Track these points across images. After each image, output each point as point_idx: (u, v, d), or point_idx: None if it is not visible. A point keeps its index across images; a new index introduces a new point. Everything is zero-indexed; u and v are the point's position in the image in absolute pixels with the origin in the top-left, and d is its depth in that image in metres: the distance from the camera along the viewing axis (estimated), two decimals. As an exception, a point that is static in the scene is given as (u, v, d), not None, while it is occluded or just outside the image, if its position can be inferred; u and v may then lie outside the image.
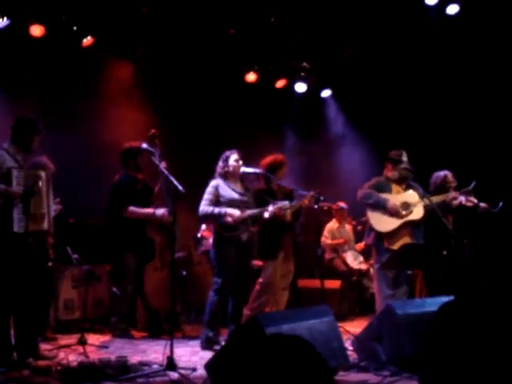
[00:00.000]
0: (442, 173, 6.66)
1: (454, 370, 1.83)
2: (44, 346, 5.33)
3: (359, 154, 9.48)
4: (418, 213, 6.04)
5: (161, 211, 6.03)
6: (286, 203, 5.91)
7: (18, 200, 4.60)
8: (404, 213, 6.02)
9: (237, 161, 5.90)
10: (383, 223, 6.06)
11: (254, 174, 6.18)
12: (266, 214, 5.83)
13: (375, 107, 9.25)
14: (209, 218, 5.71)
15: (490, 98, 8.52)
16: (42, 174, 4.87)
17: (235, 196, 5.79)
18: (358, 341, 4.95)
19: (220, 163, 5.86)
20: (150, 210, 6.08)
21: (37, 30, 7.04)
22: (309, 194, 6.08)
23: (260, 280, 6.33)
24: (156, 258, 6.18)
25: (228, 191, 5.78)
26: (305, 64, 8.97)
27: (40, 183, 4.75)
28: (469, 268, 6.21)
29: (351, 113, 9.69)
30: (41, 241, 5.25)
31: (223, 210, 5.67)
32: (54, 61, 7.35)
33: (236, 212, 5.68)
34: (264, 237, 6.21)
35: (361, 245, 8.57)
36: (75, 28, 7.26)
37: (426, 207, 6.04)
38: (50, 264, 5.79)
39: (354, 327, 6.31)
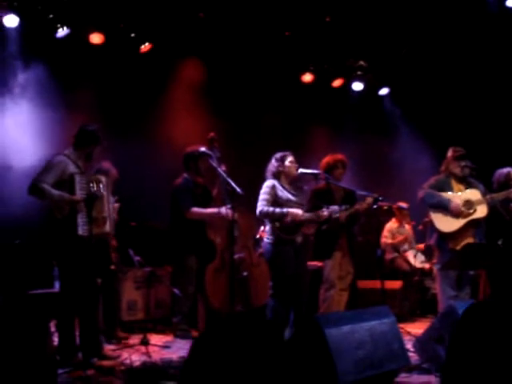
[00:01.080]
0: (505, 170, 6.49)
1: (476, 373, 1.79)
2: (108, 347, 5.47)
3: (419, 153, 9.34)
4: (481, 211, 5.90)
5: (225, 209, 6.07)
6: (336, 208, 5.88)
7: (82, 204, 4.75)
8: (468, 211, 5.89)
9: (292, 162, 5.90)
10: (447, 223, 5.94)
11: (312, 174, 6.17)
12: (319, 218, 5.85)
13: (433, 104, 9.10)
14: (269, 218, 5.73)
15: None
16: (103, 178, 5.00)
17: (291, 197, 5.80)
18: (420, 342, 4.88)
19: (274, 163, 5.86)
20: (214, 210, 6.15)
21: (96, 38, 7.22)
22: (368, 200, 6.06)
23: (323, 279, 6.37)
24: (217, 259, 6.23)
25: (284, 192, 5.79)
26: (361, 62, 8.90)
27: (102, 188, 4.88)
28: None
29: (409, 111, 9.56)
30: (103, 243, 5.39)
31: (285, 210, 5.67)
32: (114, 67, 7.51)
33: (299, 212, 5.68)
34: (319, 237, 6.23)
35: (421, 246, 8.45)
36: (133, 35, 7.40)
37: (489, 205, 5.90)
38: (112, 267, 5.92)
39: (416, 328, 6.23)
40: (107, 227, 4.98)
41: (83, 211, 4.75)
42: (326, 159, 6.48)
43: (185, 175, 6.40)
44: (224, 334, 2.76)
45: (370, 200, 6.08)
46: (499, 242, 5.97)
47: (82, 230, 4.74)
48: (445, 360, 1.94)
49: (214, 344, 2.77)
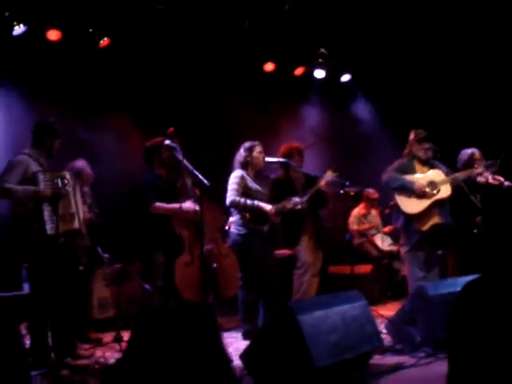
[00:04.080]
0: (469, 150, 6.59)
1: (482, 348, 1.82)
2: (81, 346, 5.43)
3: (383, 137, 9.42)
4: (445, 191, 5.98)
5: (187, 204, 6.06)
6: (298, 200, 5.98)
7: (47, 203, 4.68)
8: (432, 192, 5.96)
9: (261, 153, 5.92)
10: (412, 205, 6.01)
11: (278, 163, 6.20)
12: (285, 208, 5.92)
13: (397, 89, 9.18)
14: (239, 208, 5.73)
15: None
16: (67, 175, 4.93)
17: (258, 188, 5.82)
18: (392, 324, 4.95)
19: (242, 153, 5.86)
20: (176, 205, 6.12)
21: (53, 35, 7.09)
22: (322, 179, 6.17)
23: (297, 265, 6.42)
24: (185, 252, 6.21)
25: (252, 183, 5.80)
26: (322, 50, 8.91)
27: (66, 184, 4.82)
28: (493, 245, 6.13)
29: (373, 96, 9.63)
30: (74, 241, 5.31)
31: (255, 202, 5.69)
32: (72, 63, 7.39)
33: (267, 206, 5.72)
34: (286, 225, 6.29)
35: (387, 229, 8.56)
36: (91, 30, 7.30)
37: (452, 185, 5.99)
38: (80, 268, 5.84)
39: (387, 310, 6.30)
40: (76, 224, 4.92)
41: (49, 209, 4.68)
42: (282, 148, 6.57)
43: (148, 170, 6.35)
44: (156, 328, 2.75)
45: (328, 174, 6.17)
46: (474, 231, 6.05)
47: (49, 229, 4.67)
48: (449, 338, 1.96)
49: (146, 339, 2.75)
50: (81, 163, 5.89)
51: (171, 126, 5.53)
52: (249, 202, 5.68)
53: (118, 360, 4.58)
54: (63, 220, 4.78)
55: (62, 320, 4.85)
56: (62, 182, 4.78)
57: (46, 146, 4.94)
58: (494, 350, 1.77)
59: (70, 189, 4.87)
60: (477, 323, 1.84)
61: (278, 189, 6.30)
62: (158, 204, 6.10)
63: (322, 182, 6.30)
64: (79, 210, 5.05)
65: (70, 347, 4.90)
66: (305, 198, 6.10)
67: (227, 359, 2.73)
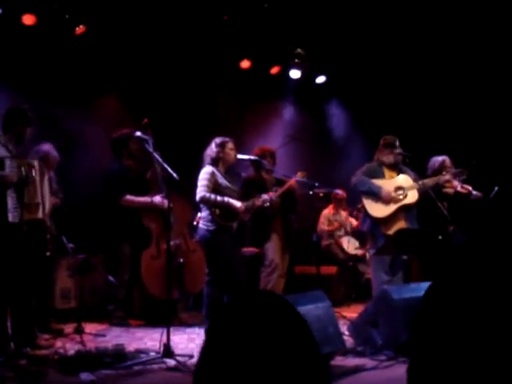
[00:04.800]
0: (440, 157, 6.66)
1: (443, 353, 1.84)
2: (42, 336, 5.35)
3: (356, 140, 9.49)
4: (412, 196, 6.04)
5: (158, 198, 6.03)
6: (267, 197, 6.02)
7: (12, 189, 4.58)
8: (399, 197, 6.02)
9: (232, 149, 5.91)
10: (378, 209, 6.05)
11: (249, 160, 6.21)
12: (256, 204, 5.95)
13: (371, 93, 9.24)
14: (209, 204, 5.72)
15: (484, 84, 8.53)
16: (36, 163, 4.85)
17: (228, 184, 5.82)
18: (354, 326, 4.98)
19: (214, 148, 5.84)
20: (147, 198, 6.08)
21: (28, 19, 6.99)
22: (293, 178, 6.25)
23: (265, 263, 6.45)
24: (152, 246, 6.18)
25: (222, 179, 5.79)
26: (299, 50, 8.92)
27: (34, 172, 4.74)
28: (459, 253, 6.21)
29: (346, 99, 9.67)
30: (38, 230, 5.23)
31: (225, 199, 5.69)
32: (47, 49, 7.29)
33: (237, 203, 5.72)
34: (255, 223, 6.34)
35: (353, 222, 8.62)
36: (67, 16, 7.20)
37: (419, 190, 6.05)
38: (48, 253, 5.75)
39: (350, 312, 6.34)
40: (40, 213, 4.84)
41: (13, 196, 4.59)
42: (255, 150, 6.68)
43: (117, 161, 6.30)
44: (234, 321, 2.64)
45: (299, 174, 6.26)
46: (439, 237, 6.11)
47: (12, 217, 4.57)
48: (411, 341, 1.99)
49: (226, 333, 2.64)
50: (47, 147, 5.81)
51: (145, 118, 5.48)
52: (219, 198, 5.67)
53: (80, 352, 4.56)
54: (27, 209, 4.69)
55: (22, 309, 4.77)
56: (30, 170, 4.70)
57: (17, 132, 4.86)
58: (454, 351, 1.80)
59: (37, 177, 4.79)
60: (437, 326, 1.86)
61: (249, 187, 6.34)
62: (128, 197, 6.06)
63: (293, 181, 6.36)
64: (45, 200, 4.96)
65: (30, 337, 4.83)
66: (274, 195, 6.13)
67: (317, 348, 2.61)
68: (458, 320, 1.83)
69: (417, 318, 1.93)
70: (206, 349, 2.62)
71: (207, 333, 2.86)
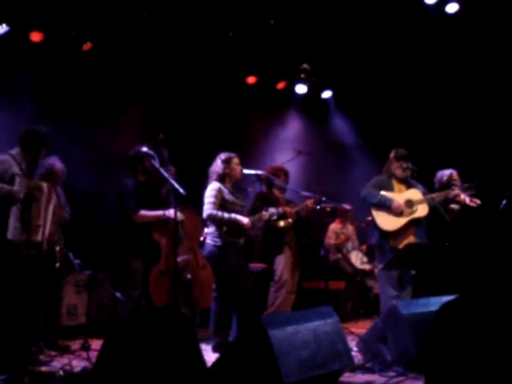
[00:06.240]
0: (447, 171, 6.63)
1: (458, 368, 1.81)
2: (48, 352, 5.33)
3: (362, 154, 9.47)
4: (422, 210, 6.01)
5: (171, 212, 6.00)
6: (274, 210, 6.01)
7: (16, 207, 4.59)
8: (409, 211, 5.99)
9: (238, 164, 5.90)
10: (388, 222, 6.02)
11: (255, 175, 6.20)
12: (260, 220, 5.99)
13: (377, 107, 9.24)
14: (217, 222, 5.71)
15: (491, 97, 8.52)
16: (45, 185, 4.88)
17: (235, 200, 5.81)
18: (363, 342, 4.92)
19: (220, 164, 5.84)
20: (159, 212, 6.06)
21: (36, 36, 7.05)
22: (307, 202, 6.27)
23: (274, 279, 6.43)
24: (161, 261, 6.15)
25: (229, 195, 5.78)
26: (305, 65, 8.95)
27: (41, 195, 4.76)
28: (471, 266, 6.17)
29: (353, 114, 9.68)
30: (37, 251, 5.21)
31: (233, 215, 5.68)
32: (54, 65, 7.33)
33: (245, 220, 5.71)
34: (267, 238, 6.32)
35: (363, 247, 8.59)
36: (74, 34, 7.25)
37: (429, 205, 6.02)
38: (57, 265, 5.72)
39: (359, 328, 6.29)
40: (39, 236, 4.83)
41: (16, 214, 4.60)
42: (268, 169, 6.72)
43: (131, 177, 6.29)
44: (133, 334, 2.70)
45: (314, 199, 6.26)
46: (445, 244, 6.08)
47: (11, 234, 4.58)
48: (426, 357, 1.96)
49: (123, 344, 2.71)
50: (53, 160, 5.82)
51: (161, 133, 5.49)
52: (226, 215, 5.66)
53: (86, 369, 4.53)
54: (27, 229, 4.69)
55: (22, 326, 4.75)
56: (37, 191, 4.73)
57: (32, 153, 4.94)
58: (469, 367, 1.77)
59: (43, 199, 4.81)
60: (453, 343, 1.84)
61: (260, 202, 6.35)
62: (142, 212, 6.04)
63: (310, 202, 6.37)
64: (47, 224, 4.95)
65: (33, 354, 4.81)
66: (281, 210, 6.11)
67: (204, 367, 2.69)
68: (472, 336, 1.80)
69: (430, 335, 1.91)
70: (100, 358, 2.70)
71: (104, 342, 2.93)
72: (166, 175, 5.11)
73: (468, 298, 1.94)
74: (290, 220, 6.45)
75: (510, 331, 1.82)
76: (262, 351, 3.84)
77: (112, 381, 2.54)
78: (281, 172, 6.70)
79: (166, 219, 5.89)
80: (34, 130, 5.00)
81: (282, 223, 6.36)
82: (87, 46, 7.34)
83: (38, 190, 4.76)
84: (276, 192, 6.66)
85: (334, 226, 8.68)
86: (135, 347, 2.60)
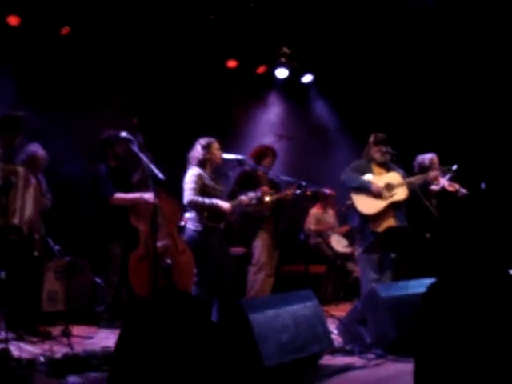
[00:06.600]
0: (429, 155, 6.67)
1: (448, 349, 1.85)
2: (29, 338, 5.32)
3: (343, 139, 9.49)
4: (402, 193, 6.05)
5: (149, 194, 5.97)
6: (253, 194, 6.01)
7: None
8: (388, 194, 6.02)
9: (218, 149, 5.90)
10: (368, 206, 6.05)
11: (236, 160, 6.19)
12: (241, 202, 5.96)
13: (358, 91, 9.26)
14: (198, 207, 5.70)
15: (470, 80, 8.57)
16: (21, 170, 4.84)
17: (215, 185, 5.81)
18: (343, 324, 4.97)
19: (200, 150, 5.82)
20: (137, 194, 6.03)
21: (13, 20, 6.95)
22: (291, 189, 6.25)
23: (252, 262, 6.43)
24: (140, 246, 6.14)
25: (209, 181, 5.78)
26: (285, 49, 8.93)
27: (16, 178, 4.72)
28: (450, 250, 6.23)
29: (334, 98, 9.68)
30: (20, 236, 5.17)
31: (213, 201, 5.68)
32: (33, 49, 7.24)
33: (225, 204, 5.71)
34: (244, 222, 6.34)
35: (342, 229, 8.62)
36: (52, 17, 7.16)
37: (408, 188, 6.06)
38: (35, 254, 5.69)
39: (339, 311, 6.33)
40: (16, 219, 4.80)
41: None
42: (257, 147, 6.67)
43: (102, 162, 6.25)
44: (150, 317, 2.72)
45: (295, 186, 6.25)
46: (427, 235, 6.13)
47: None
48: (415, 339, 1.99)
49: (141, 328, 2.72)
50: (34, 147, 5.77)
51: (135, 117, 5.45)
52: (207, 200, 5.66)
53: (67, 355, 4.51)
54: (2, 213, 4.66)
55: None
56: (14, 176, 4.68)
57: (8, 138, 4.88)
58: (458, 348, 1.81)
59: (20, 183, 4.77)
60: (441, 323, 1.87)
61: (243, 182, 6.34)
62: (118, 195, 6.02)
63: (292, 190, 6.35)
64: (25, 208, 4.92)
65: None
66: (259, 193, 6.10)
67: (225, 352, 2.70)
68: (461, 317, 1.84)
69: (418, 317, 1.94)
70: (120, 341, 2.72)
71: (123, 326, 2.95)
72: (146, 160, 5.09)
73: (453, 278, 1.97)
74: (273, 196, 6.39)
75: (496, 312, 1.86)
76: (243, 335, 3.87)
77: (133, 365, 2.56)
78: (270, 152, 6.63)
79: (143, 203, 5.88)
80: (10, 115, 4.94)
81: (267, 198, 6.32)
82: (65, 30, 7.26)
83: (14, 174, 4.72)
84: (260, 172, 6.61)
85: (315, 211, 8.70)
86: (155, 332, 2.61)
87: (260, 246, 6.46)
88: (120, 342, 2.78)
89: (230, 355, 3.92)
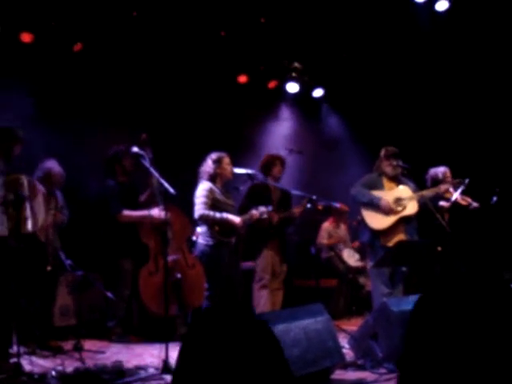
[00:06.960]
0: (441, 168, 6.66)
1: (432, 366, 1.84)
2: (41, 353, 5.34)
3: (355, 152, 9.49)
4: (412, 207, 6.04)
5: (155, 211, 5.99)
6: (264, 209, 5.99)
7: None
8: (398, 208, 6.01)
9: (229, 164, 5.92)
10: (378, 221, 6.05)
11: (247, 174, 6.21)
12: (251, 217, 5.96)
13: (369, 106, 9.26)
14: (209, 222, 5.72)
15: (481, 94, 8.56)
16: (24, 178, 4.87)
17: (226, 199, 5.83)
18: (354, 339, 4.94)
19: (211, 164, 5.85)
20: (144, 212, 6.06)
21: (26, 37, 7.03)
22: (303, 203, 6.21)
23: (255, 279, 6.41)
24: (150, 261, 6.16)
25: (220, 195, 5.80)
26: (296, 64, 8.97)
27: (21, 188, 4.76)
28: (458, 263, 6.19)
29: (345, 112, 9.69)
30: (31, 245, 5.21)
31: (224, 215, 5.69)
32: (47, 66, 7.31)
33: (236, 219, 5.72)
34: (250, 237, 6.32)
35: (355, 244, 8.60)
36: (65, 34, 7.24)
37: (419, 202, 6.04)
38: (48, 268, 5.72)
39: (351, 325, 6.30)
40: (28, 227, 4.83)
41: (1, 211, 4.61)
42: (265, 157, 6.62)
43: (110, 178, 6.28)
44: (210, 332, 2.73)
45: (305, 203, 6.23)
46: (438, 249, 6.09)
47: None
48: (402, 355, 1.99)
49: (201, 342, 2.73)
50: (50, 164, 5.82)
51: (144, 133, 5.49)
52: (217, 215, 5.68)
53: (79, 369, 4.53)
54: (16, 222, 4.70)
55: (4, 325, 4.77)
56: (19, 187, 4.73)
57: (4, 149, 4.92)
58: (445, 360, 1.80)
59: (25, 193, 4.80)
60: (429, 340, 1.86)
61: (254, 196, 6.32)
62: (125, 212, 6.04)
63: (300, 209, 6.33)
64: (37, 213, 4.95)
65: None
66: (270, 208, 6.10)
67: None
68: (447, 331, 1.83)
69: (405, 335, 1.94)
70: (182, 353, 2.72)
71: (184, 337, 2.97)
72: (157, 175, 5.12)
73: (437, 293, 1.97)
74: (281, 215, 6.38)
75: (486, 323, 1.85)
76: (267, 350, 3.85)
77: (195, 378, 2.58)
78: (278, 161, 6.59)
79: (152, 219, 5.90)
80: (4, 128, 5.02)
81: (275, 219, 6.31)
82: (78, 47, 7.33)
83: (19, 184, 4.77)
84: (271, 185, 6.58)
85: (327, 225, 8.68)
86: (216, 346, 2.63)
87: (263, 263, 6.39)
88: (182, 354, 2.78)
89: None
